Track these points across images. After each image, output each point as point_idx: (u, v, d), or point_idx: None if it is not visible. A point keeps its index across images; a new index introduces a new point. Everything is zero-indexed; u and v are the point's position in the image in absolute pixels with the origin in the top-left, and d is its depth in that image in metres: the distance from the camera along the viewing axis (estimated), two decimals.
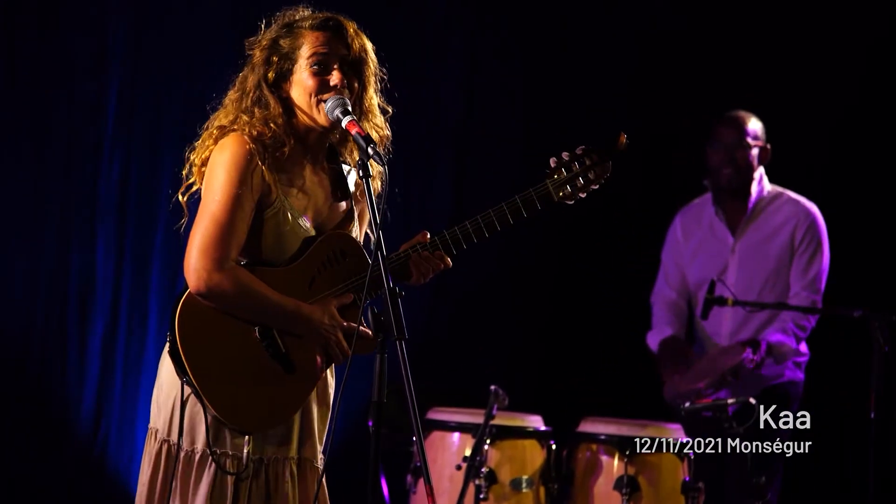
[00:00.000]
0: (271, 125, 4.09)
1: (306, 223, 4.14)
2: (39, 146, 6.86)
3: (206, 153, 4.11)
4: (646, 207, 7.85)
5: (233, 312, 4.01)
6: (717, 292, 6.49)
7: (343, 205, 4.25)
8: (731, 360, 6.41)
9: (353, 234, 4.22)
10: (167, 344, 4.02)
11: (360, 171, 3.87)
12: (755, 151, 6.73)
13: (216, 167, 4.03)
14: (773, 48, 7.91)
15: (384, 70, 4.24)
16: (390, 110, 4.27)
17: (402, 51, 7.46)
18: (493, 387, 5.88)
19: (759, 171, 6.77)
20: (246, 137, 4.06)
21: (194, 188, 4.13)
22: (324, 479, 4.15)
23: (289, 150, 4.12)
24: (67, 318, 6.90)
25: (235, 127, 4.09)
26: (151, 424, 4.14)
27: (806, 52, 7.87)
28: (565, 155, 4.18)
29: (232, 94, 4.19)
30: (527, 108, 8.02)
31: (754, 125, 6.75)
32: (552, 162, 4.18)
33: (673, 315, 6.85)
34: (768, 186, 6.81)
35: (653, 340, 6.85)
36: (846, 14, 7.78)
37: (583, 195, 4.19)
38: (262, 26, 4.20)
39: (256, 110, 4.11)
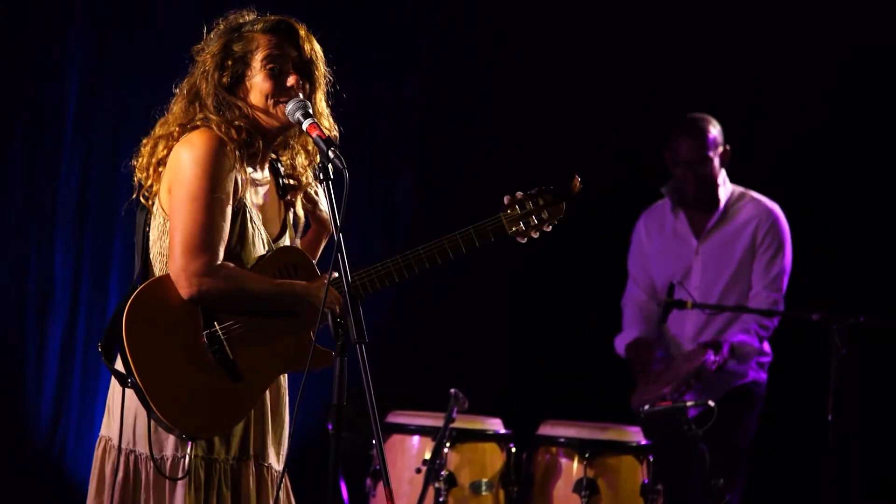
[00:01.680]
0: (237, 123, 4.06)
1: (262, 228, 4.13)
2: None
3: (164, 152, 4.05)
4: (609, 210, 7.84)
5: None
6: (678, 295, 6.49)
7: (282, 210, 4.23)
8: (692, 364, 6.41)
9: (289, 243, 4.20)
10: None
11: (321, 174, 3.84)
12: (717, 161, 6.71)
13: (189, 164, 3.97)
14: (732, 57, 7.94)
15: (332, 69, 4.22)
16: (329, 114, 4.23)
17: (366, 49, 7.52)
18: (453, 390, 5.87)
19: (722, 175, 6.76)
20: (218, 133, 4.02)
21: (154, 189, 4.06)
22: (287, 482, 4.12)
23: (255, 149, 4.10)
24: (26, 322, 6.87)
25: (199, 123, 4.05)
26: (104, 432, 4.09)
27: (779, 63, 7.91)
28: (519, 194, 4.22)
29: (180, 102, 4.13)
30: (492, 108, 8.01)
31: (713, 132, 6.71)
32: (506, 199, 4.22)
33: (642, 317, 6.84)
34: (730, 188, 6.79)
35: (619, 344, 6.84)
36: (827, 17, 7.82)
37: (535, 234, 4.23)
38: (205, 32, 4.18)
39: (221, 113, 4.07)
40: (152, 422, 3.95)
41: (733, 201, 6.76)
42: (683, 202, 6.78)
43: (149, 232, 4.09)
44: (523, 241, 4.24)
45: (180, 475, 3.97)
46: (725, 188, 6.76)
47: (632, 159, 7.51)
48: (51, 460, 6.82)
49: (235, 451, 4.06)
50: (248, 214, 4.07)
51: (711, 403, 5.86)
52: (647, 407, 6.04)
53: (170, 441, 3.98)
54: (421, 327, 7.78)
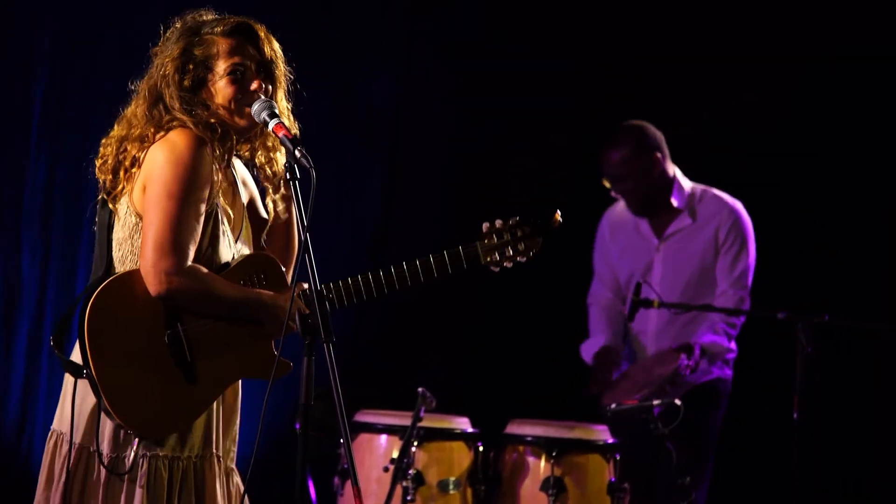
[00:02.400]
0: (212, 121, 4.06)
1: (230, 232, 4.12)
2: None
3: (136, 153, 4.03)
4: (575, 209, 7.83)
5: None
6: (644, 294, 6.48)
7: (242, 211, 4.22)
8: (666, 368, 6.38)
9: (246, 244, 4.19)
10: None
11: (287, 174, 3.84)
12: (658, 168, 6.63)
13: (168, 163, 3.96)
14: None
15: (291, 68, 4.23)
16: (290, 112, 4.23)
17: (334, 52, 7.49)
18: (420, 389, 5.87)
19: (674, 176, 6.70)
20: (197, 132, 4.01)
21: (126, 189, 4.04)
22: (237, 479, 4.14)
23: (230, 146, 4.11)
24: None
25: (175, 124, 4.03)
26: (55, 426, 4.08)
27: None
28: (498, 223, 4.23)
29: (142, 105, 4.11)
30: (460, 112, 7.99)
31: (644, 141, 6.63)
32: (484, 227, 4.23)
33: (607, 319, 6.81)
34: (688, 186, 6.74)
35: (586, 352, 6.81)
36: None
37: (508, 265, 4.25)
38: (162, 31, 4.18)
39: (192, 113, 4.05)
40: (102, 416, 3.93)
41: (694, 202, 6.71)
42: (634, 210, 6.75)
43: (111, 233, 4.07)
44: (496, 271, 4.25)
45: (128, 471, 3.95)
46: (682, 192, 6.71)
47: (594, 159, 7.52)
48: (18, 461, 6.79)
49: (198, 449, 4.05)
50: (220, 217, 4.07)
51: (678, 402, 5.86)
52: (613, 406, 6.04)
53: (121, 437, 3.97)
54: (387, 326, 7.76)
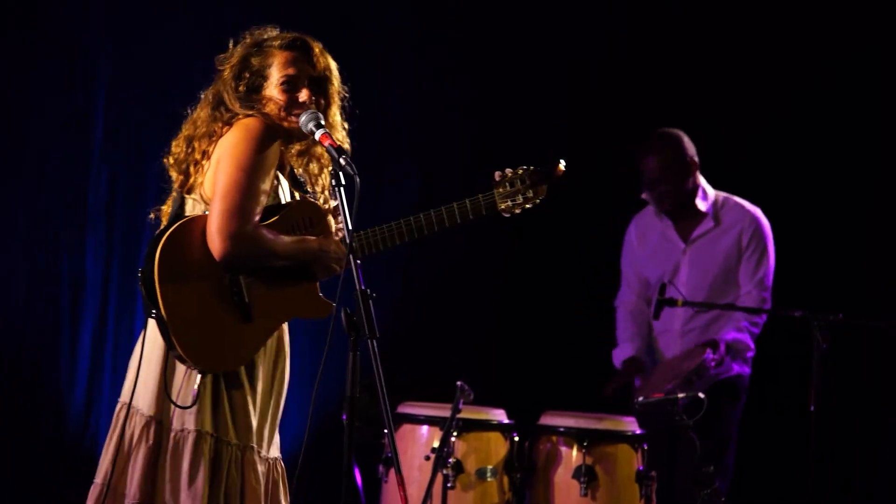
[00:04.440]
0: (273, 118, 4.17)
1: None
2: (33, 156, 6.85)
3: (207, 146, 4.14)
4: (607, 204, 7.85)
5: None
6: (668, 294, 6.51)
7: None
8: (693, 362, 6.39)
9: None
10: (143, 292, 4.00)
11: (333, 181, 3.92)
12: (693, 175, 6.69)
13: (242, 140, 4.07)
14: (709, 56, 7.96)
15: (346, 88, 4.32)
16: (347, 126, 4.34)
17: (355, 57, 7.49)
18: (459, 382, 5.88)
19: (700, 184, 6.74)
20: (266, 121, 4.12)
21: (197, 181, 4.15)
22: (282, 472, 4.22)
23: (291, 144, 4.24)
24: (60, 321, 6.86)
25: (240, 116, 4.13)
26: (126, 399, 4.15)
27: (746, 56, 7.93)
28: (508, 171, 4.33)
29: (206, 108, 4.22)
30: (481, 110, 7.98)
31: (679, 147, 6.66)
32: (497, 175, 4.33)
33: (634, 325, 6.84)
34: (711, 194, 6.77)
35: (617, 359, 6.85)
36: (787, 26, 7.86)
37: (518, 211, 4.34)
38: (231, 45, 4.28)
39: (254, 110, 4.16)
40: (168, 379, 4.05)
41: (718, 208, 6.75)
42: (665, 213, 6.80)
43: (182, 213, 4.17)
44: (507, 216, 4.34)
45: (193, 447, 4.04)
46: (707, 198, 6.75)
47: (624, 156, 7.52)
48: (82, 454, 6.82)
49: (245, 439, 4.12)
50: (284, 190, 4.21)
51: (701, 395, 5.89)
52: (641, 398, 6.06)
53: (189, 415, 4.05)
54: (426, 322, 7.76)
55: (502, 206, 4.29)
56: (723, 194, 6.81)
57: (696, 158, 6.70)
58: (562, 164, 4.31)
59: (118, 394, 4.23)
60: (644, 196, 6.82)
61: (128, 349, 6.86)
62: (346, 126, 4.35)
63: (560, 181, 4.30)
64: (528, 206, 4.32)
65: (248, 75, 4.21)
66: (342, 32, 7.43)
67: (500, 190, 4.29)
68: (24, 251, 6.82)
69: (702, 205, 6.72)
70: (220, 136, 4.13)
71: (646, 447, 6.12)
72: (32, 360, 6.85)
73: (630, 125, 7.53)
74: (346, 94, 4.31)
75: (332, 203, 4.32)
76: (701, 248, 6.74)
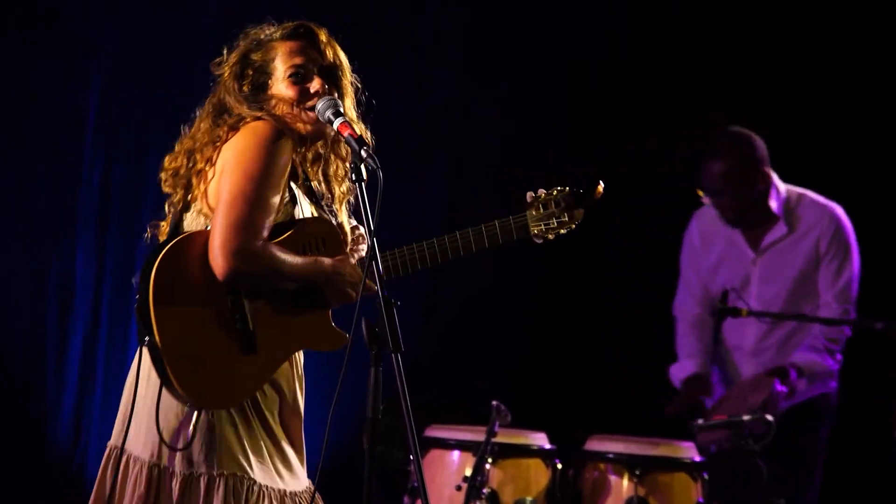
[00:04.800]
0: (285, 120, 4.14)
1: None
2: (21, 152, 6.90)
3: (210, 153, 4.11)
4: (657, 209, 7.87)
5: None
6: (731, 301, 6.45)
7: None
8: (759, 396, 6.30)
9: None
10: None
11: (353, 175, 3.90)
12: (763, 182, 6.57)
13: (250, 146, 4.03)
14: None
15: (358, 77, 4.29)
16: (363, 125, 4.30)
17: (395, 52, 7.58)
18: (494, 402, 5.89)
19: (771, 183, 6.61)
20: (276, 124, 4.09)
21: (199, 191, 4.12)
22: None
23: (305, 148, 4.22)
24: (46, 327, 6.91)
25: (249, 119, 4.10)
26: (118, 442, 4.12)
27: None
28: (542, 192, 4.30)
29: (207, 120, 4.20)
30: (518, 112, 8.05)
31: (750, 153, 6.55)
32: (529, 197, 4.30)
33: (697, 339, 6.77)
34: (783, 190, 6.65)
35: (675, 375, 6.78)
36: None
37: (551, 237, 4.31)
38: (226, 51, 4.25)
39: (262, 110, 4.14)
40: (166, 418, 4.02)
41: (791, 207, 6.64)
42: (729, 223, 6.68)
43: (181, 228, 4.14)
44: (539, 242, 4.32)
45: (204, 493, 4.02)
46: (779, 195, 6.63)
47: (677, 156, 7.51)
48: (72, 469, 6.88)
49: (259, 475, 4.10)
50: (299, 203, 4.18)
51: (770, 417, 5.87)
52: (701, 421, 6.05)
53: (198, 455, 4.03)
54: (458, 334, 7.80)
55: (535, 231, 4.29)
56: (797, 190, 6.67)
57: (767, 160, 6.57)
58: (601, 186, 4.29)
59: (110, 413, 4.23)
60: (705, 201, 6.72)
61: (122, 362, 6.98)
62: (363, 125, 4.30)
63: (598, 204, 4.31)
64: (562, 231, 4.29)
65: (250, 73, 4.19)
66: (381, 15, 7.54)
67: (533, 212, 4.27)
68: (9, 254, 6.86)
69: (773, 205, 6.60)
70: (226, 140, 4.11)
71: (706, 476, 6.09)
72: (15, 375, 6.88)
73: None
74: (360, 86, 4.30)
75: (352, 221, 4.31)
76: (773, 258, 6.63)
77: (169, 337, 3.94)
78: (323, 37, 4.22)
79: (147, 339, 3.95)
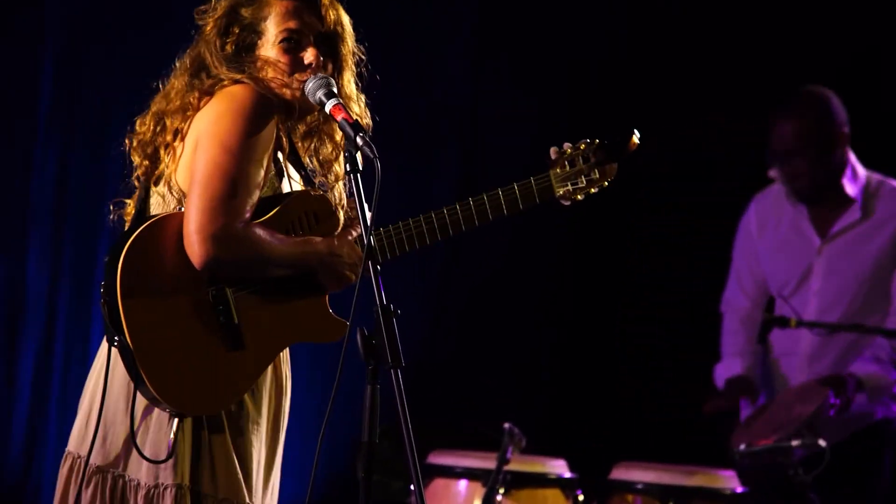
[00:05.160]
0: (271, 85, 4.11)
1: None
2: None
3: (180, 124, 4.08)
4: (688, 205, 7.87)
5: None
6: (779, 310, 6.42)
7: None
8: (808, 407, 6.27)
9: None
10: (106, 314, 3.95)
11: (347, 165, 3.86)
12: (841, 146, 6.55)
13: (226, 115, 4.01)
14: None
15: (363, 49, 4.27)
16: (364, 99, 4.29)
17: (404, 24, 7.58)
18: (507, 425, 5.90)
19: (849, 161, 6.59)
20: (258, 88, 4.06)
21: (167, 169, 4.08)
22: None
23: (294, 116, 4.18)
24: None
25: (226, 83, 4.07)
26: (73, 448, 4.10)
27: None
28: (567, 146, 4.30)
29: (182, 76, 4.17)
30: (541, 88, 8.06)
31: (829, 111, 6.55)
32: (553, 152, 4.30)
33: (745, 336, 6.75)
34: (862, 174, 6.63)
35: (720, 374, 6.79)
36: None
37: (580, 197, 4.31)
38: None
39: (244, 72, 4.11)
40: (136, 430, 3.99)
41: (870, 193, 6.61)
42: (797, 194, 6.66)
43: (146, 212, 4.11)
44: (567, 204, 4.30)
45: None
46: (857, 179, 6.61)
47: (726, 135, 7.51)
48: (26, 496, 6.89)
49: (224, 492, 4.06)
50: (286, 177, 4.16)
51: (822, 443, 5.85)
52: (743, 447, 6.03)
53: (165, 467, 4.00)
54: (465, 348, 7.82)
55: (560, 192, 4.27)
56: (878, 176, 6.65)
57: (847, 128, 6.57)
58: (635, 136, 4.27)
59: (65, 438, 4.22)
60: (772, 174, 6.69)
61: (80, 381, 6.94)
62: (364, 99, 4.30)
63: (633, 157, 4.27)
64: (592, 189, 4.28)
65: (237, 30, 4.15)
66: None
67: (558, 170, 4.27)
68: None
69: (849, 188, 6.58)
70: (198, 109, 4.08)
71: None
72: None
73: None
74: (364, 58, 4.27)
75: (347, 199, 4.28)
76: (843, 247, 6.60)
77: (141, 335, 3.92)
78: None
79: (117, 338, 3.93)
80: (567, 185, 4.27)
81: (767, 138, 6.68)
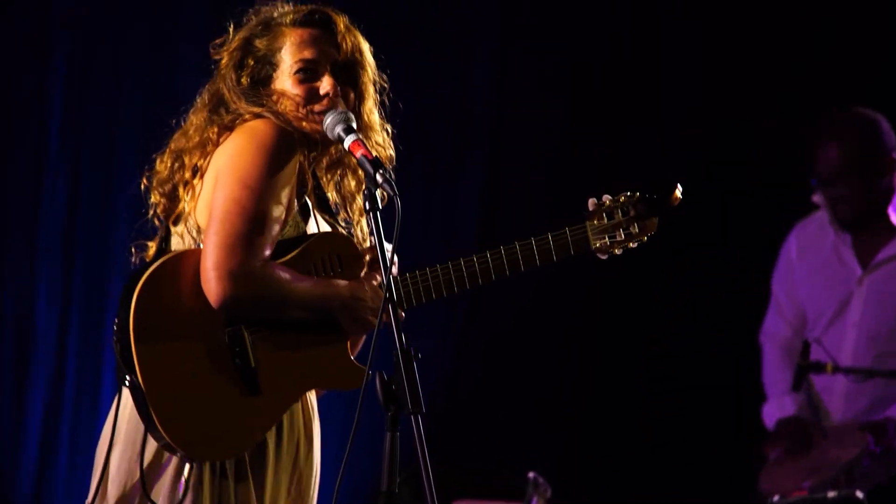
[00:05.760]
0: (290, 118, 4.12)
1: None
2: None
3: (198, 160, 4.10)
4: (714, 238, 7.88)
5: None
6: (814, 355, 6.39)
7: None
8: (846, 453, 6.26)
9: None
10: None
11: (367, 203, 3.85)
12: (883, 176, 6.57)
13: (245, 150, 4.03)
14: None
15: (385, 77, 4.29)
16: (389, 129, 4.32)
17: (423, 38, 7.60)
18: (531, 474, 5.89)
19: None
20: (278, 122, 4.08)
21: (186, 208, 4.11)
22: None
23: (316, 151, 4.19)
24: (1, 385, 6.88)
25: (248, 117, 4.09)
26: (95, 497, 4.10)
27: None
28: (606, 198, 4.30)
29: (202, 112, 4.19)
30: (569, 101, 8.07)
31: (877, 136, 6.56)
32: (591, 204, 4.30)
33: (789, 368, 6.68)
34: None
35: (769, 415, 6.77)
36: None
37: (618, 252, 4.31)
38: (232, 29, 4.24)
39: (263, 105, 4.13)
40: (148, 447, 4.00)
41: None
42: (842, 221, 6.65)
43: (167, 249, 4.13)
44: (604, 258, 4.29)
45: None
46: None
47: (765, 155, 7.52)
48: None
49: None
50: (312, 216, 4.17)
51: (859, 494, 5.84)
52: (777, 498, 6.01)
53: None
54: (488, 391, 7.80)
55: (597, 244, 4.27)
56: None
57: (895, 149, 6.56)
58: (678, 191, 4.26)
59: (76, 484, 4.23)
60: (816, 199, 6.70)
61: (91, 425, 6.95)
62: (389, 128, 4.32)
63: (675, 211, 4.27)
64: (631, 244, 4.29)
65: (251, 62, 4.18)
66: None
67: (595, 222, 4.27)
68: None
69: (894, 215, 6.61)
70: (217, 144, 4.10)
71: None
72: None
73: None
74: (386, 86, 4.28)
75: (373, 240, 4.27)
76: (885, 278, 6.61)
77: (154, 376, 3.94)
78: (341, 25, 4.21)
79: (128, 378, 3.94)
80: (604, 238, 4.28)
81: (811, 160, 6.70)
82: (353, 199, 4.32)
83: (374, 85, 4.27)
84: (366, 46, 4.25)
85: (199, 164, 4.12)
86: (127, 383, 3.96)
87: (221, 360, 4.01)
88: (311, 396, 4.24)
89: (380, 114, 4.31)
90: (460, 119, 7.96)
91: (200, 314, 3.99)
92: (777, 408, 6.75)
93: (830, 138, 6.60)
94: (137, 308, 3.94)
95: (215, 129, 4.12)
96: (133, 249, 4.24)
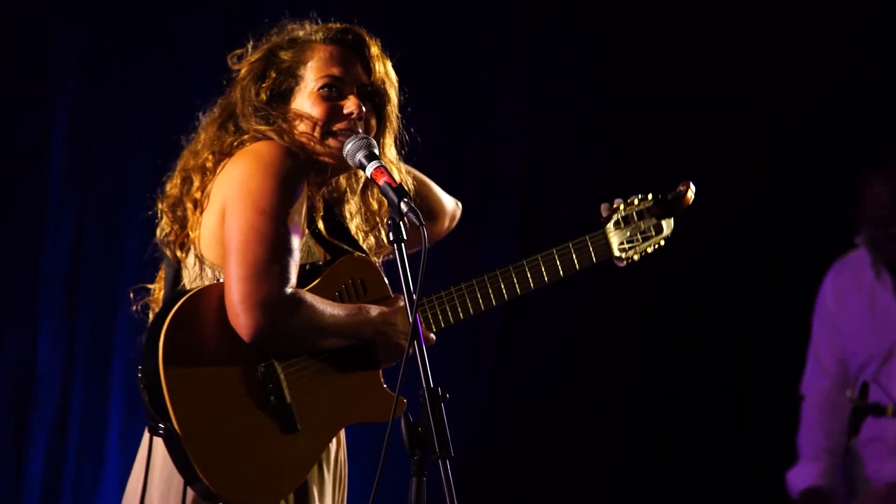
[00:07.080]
0: (301, 140, 4.18)
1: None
2: None
3: (206, 183, 4.15)
4: (776, 263, 7.94)
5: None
6: (873, 397, 6.44)
7: None
8: None
9: None
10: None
11: (391, 233, 3.89)
12: None
13: (255, 174, 4.07)
14: None
15: (406, 111, 4.35)
16: (403, 167, 4.38)
17: (454, 71, 7.68)
18: None
19: None
20: (285, 144, 4.13)
21: (192, 235, 4.15)
22: None
23: (324, 177, 4.25)
24: None
25: (247, 138, 4.15)
26: None
27: None
28: (619, 202, 4.44)
29: (210, 128, 4.26)
30: (604, 135, 8.17)
31: None
32: (604, 209, 4.43)
33: (824, 429, 6.78)
34: None
35: (794, 484, 6.84)
36: None
37: (637, 257, 4.42)
38: (251, 43, 4.31)
39: (273, 125, 4.18)
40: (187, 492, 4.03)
41: None
42: (888, 263, 6.71)
43: (179, 281, 4.17)
44: (622, 266, 4.39)
45: None
46: None
47: (798, 194, 7.60)
48: None
49: None
50: (324, 242, 4.22)
51: None
52: None
53: None
54: (522, 432, 7.83)
55: (617, 251, 4.39)
56: None
57: None
58: (691, 190, 4.36)
59: None
60: (858, 240, 6.79)
61: (96, 478, 6.99)
62: (404, 167, 4.38)
63: (689, 211, 4.35)
64: (649, 248, 4.42)
65: (273, 75, 4.24)
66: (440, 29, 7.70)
67: (612, 227, 4.40)
68: None
69: None
70: (215, 173, 4.15)
71: None
72: None
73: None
74: (405, 121, 4.34)
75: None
76: None
77: (190, 422, 4.00)
78: (374, 49, 4.27)
79: (161, 427, 3.98)
80: (623, 243, 4.39)
81: (855, 198, 6.75)
82: (376, 225, 4.39)
83: (398, 118, 4.34)
84: (394, 77, 4.32)
85: (205, 191, 4.17)
86: (161, 432, 3.99)
87: (256, 399, 4.07)
88: (342, 434, 4.29)
89: (397, 148, 4.37)
90: (491, 154, 8.05)
91: (230, 352, 4.05)
92: (800, 476, 6.83)
93: (880, 174, 6.66)
94: (165, 353, 3.99)
95: (212, 158, 4.17)
96: (132, 296, 4.31)
